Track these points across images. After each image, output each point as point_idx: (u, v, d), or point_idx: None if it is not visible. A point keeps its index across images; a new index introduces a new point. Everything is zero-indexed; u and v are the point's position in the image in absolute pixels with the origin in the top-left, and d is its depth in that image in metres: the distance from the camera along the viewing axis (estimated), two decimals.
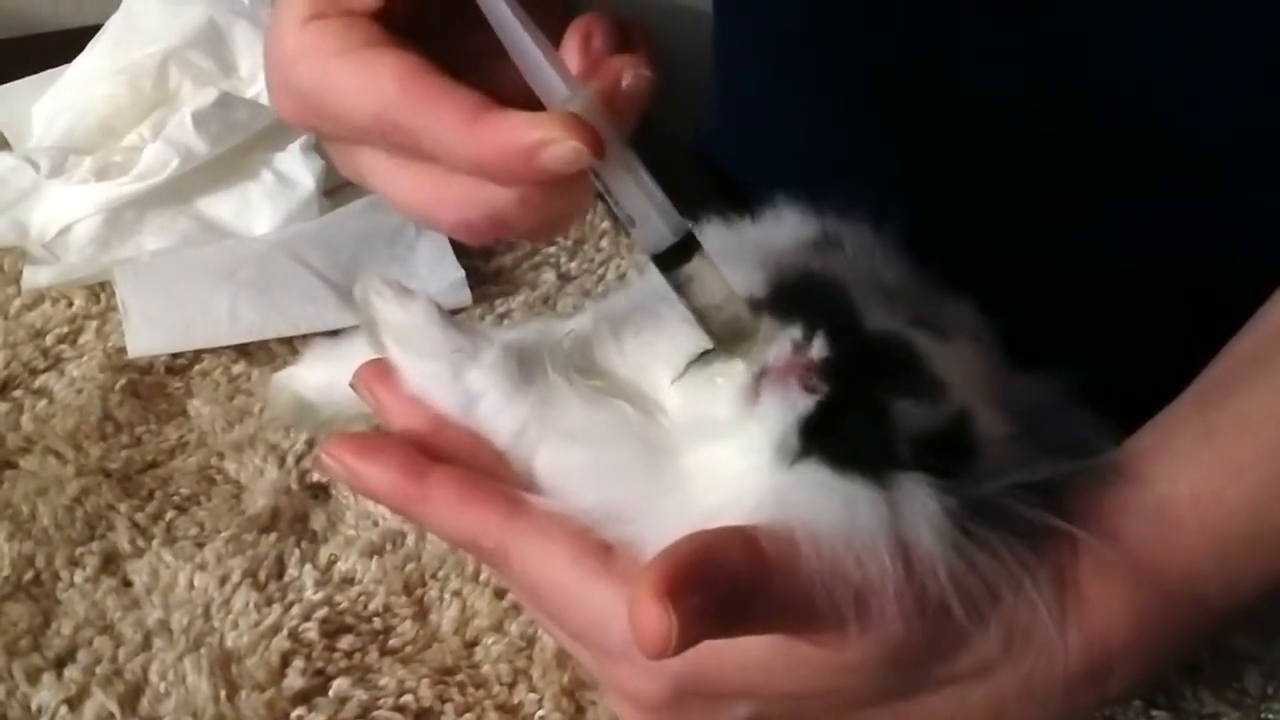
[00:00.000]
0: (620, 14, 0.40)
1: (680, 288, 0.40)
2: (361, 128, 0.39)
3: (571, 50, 0.39)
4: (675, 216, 0.39)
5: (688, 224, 0.39)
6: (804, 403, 0.39)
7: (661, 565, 0.36)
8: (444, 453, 0.43)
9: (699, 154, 0.83)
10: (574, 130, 0.35)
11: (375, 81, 0.37)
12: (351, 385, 0.44)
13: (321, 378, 0.52)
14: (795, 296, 0.41)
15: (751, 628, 0.38)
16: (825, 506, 0.38)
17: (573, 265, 0.73)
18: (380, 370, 0.44)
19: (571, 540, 0.41)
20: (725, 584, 0.36)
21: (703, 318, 0.40)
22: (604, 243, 0.75)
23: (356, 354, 0.45)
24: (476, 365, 0.42)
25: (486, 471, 0.42)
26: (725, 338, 0.40)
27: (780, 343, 0.40)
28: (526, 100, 0.37)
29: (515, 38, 0.38)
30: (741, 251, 0.43)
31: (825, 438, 0.39)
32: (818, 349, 0.39)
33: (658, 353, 0.43)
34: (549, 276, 0.72)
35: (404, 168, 0.39)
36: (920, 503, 0.38)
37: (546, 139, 0.35)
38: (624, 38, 0.39)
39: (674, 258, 0.39)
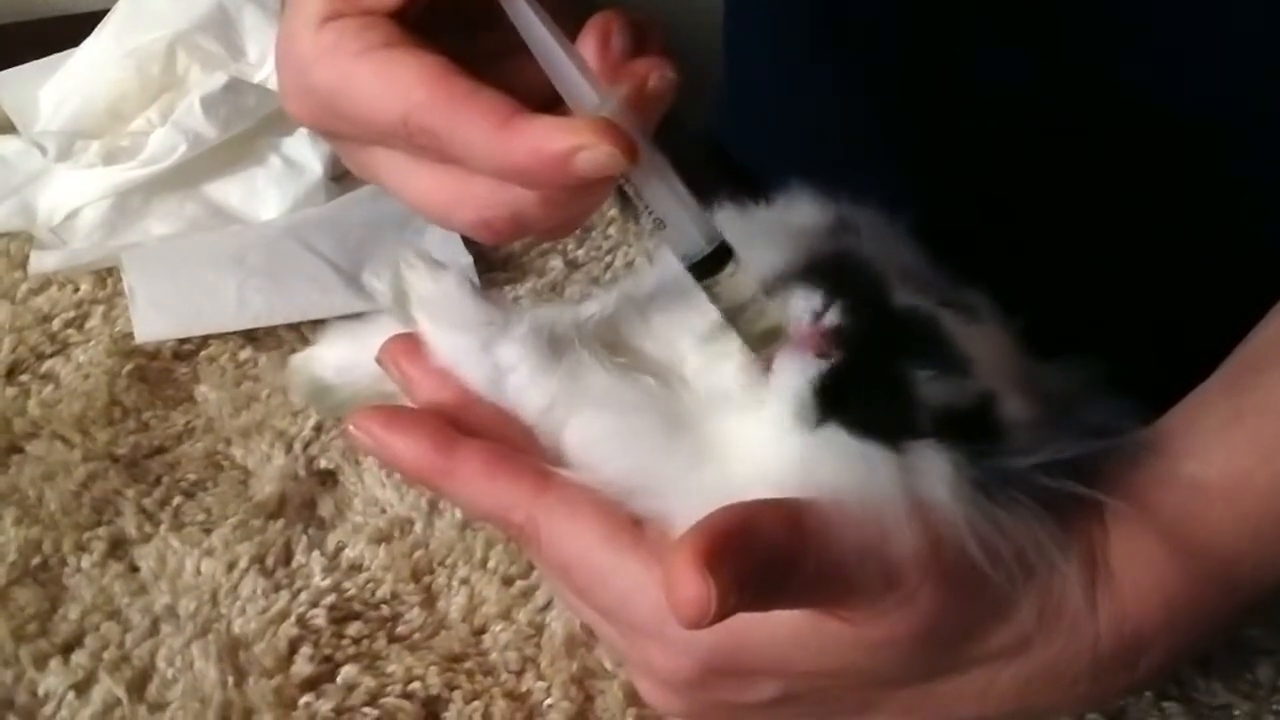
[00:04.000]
0: (633, 12, 0.39)
1: (711, 290, 0.40)
2: (384, 130, 0.38)
3: (589, 50, 0.38)
4: (708, 223, 0.39)
5: (720, 231, 0.39)
6: (817, 365, 0.39)
7: (700, 535, 0.35)
8: (471, 427, 0.42)
9: (709, 141, 0.83)
10: (608, 136, 0.35)
11: (400, 84, 0.37)
12: (377, 359, 0.44)
13: (340, 358, 0.52)
14: (823, 272, 0.41)
15: (787, 600, 0.38)
16: (843, 469, 0.38)
17: (580, 252, 0.73)
18: (407, 344, 0.43)
19: (600, 515, 0.40)
20: (763, 555, 0.36)
21: (733, 318, 0.40)
22: (612, 230, 0.75)
23: (376, 335, 0.45)
24: (507, 339, 0.42)
25: (514, 446, 0.42)
26: (756, 337, 0.40)
27: (799, 312, 0.40)
28: (544, 97, 0.37)
29: (543, 44, 0.37)
30: (757, 234, 0.43)
31: (843, 404, 0.39)
32: (830, 317, 0.40)
33: (684, 328, 0.43)
34: (557, 263, 0.72)
35: (422, 168, 0.39)
36: (935, 465, 0.38)
37: (580, 145, 0.35)
38: (640, 37, 0.39)
39: (708, 265, 0.39)
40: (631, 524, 0.40)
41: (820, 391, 0.39)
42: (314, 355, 0.54)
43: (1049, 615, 0.40)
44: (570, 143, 0.35)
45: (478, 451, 0.41)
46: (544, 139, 0.35)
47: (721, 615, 0.35)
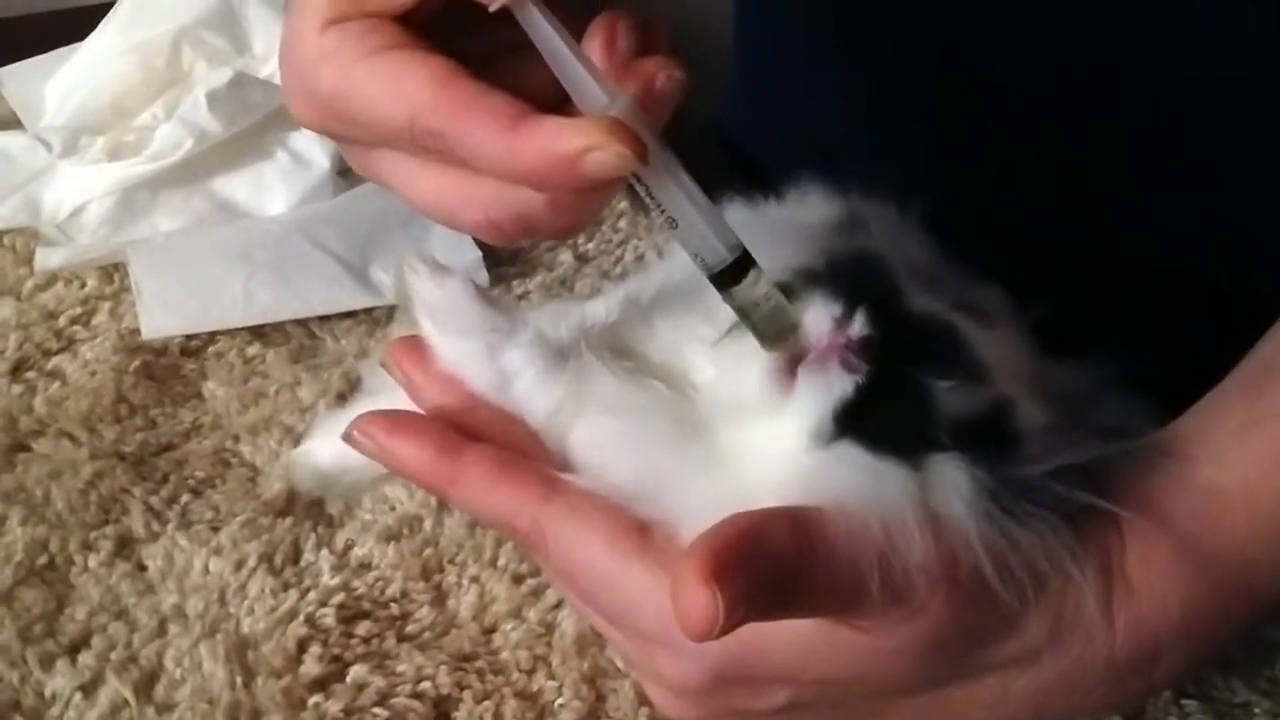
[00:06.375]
0: (638, 11, 0.39)
1: (728, 292, 0.39)
2: (390, 133, 0.38)
3: (595, 51, 0.38)
4: (723, 224, 0.38)
5: (734, 233, 0.39)
6: (842, 385, 0.38)
7: (706, 546, 0.35)
8: (476, 432, 0.42)
9: (719, 134, 0.82)
10: (618, 136, 0.34)
11: (406, 87, 0.36)
12: (382, 364, 0.44)
13: (334, 449, 0.50)
14: (838, 274, 0.41)
15: (796, 611, 0.38)
16: (856, 481, 0.37)
17: (590, 246, 0.73)
18: (411, 347, 0.43)
19: (608, 521, 0.40)
20: (771, 566, 0.36)
21: (747, 315, 0.40)
22: (622, 224, 0.74)
23: None
24: (513, 344, 0.42)
25: (520, 451, 0.42)
26: (770, 335, 0.40)
27: (820, 320, 0.39)
28: (551, 98, 0.37)
29: (550, 44, 0.37)
30: (769, 231, 0.43)
31: (861, 418, 0.38)
32: (858, 327, 0.39)
33: (689, 332, 0.43)
34: (566, 258, 0.72)
35: (427, 169, 0.38)
36: (952, 478, 0.37)
37: (590, 145, 0.34)
38: (645, 36, 0.38)
39: (730, 274, 0.39)
40: (638, 529, 0.40)
41: (845, 412, 0.38)
42: (309, 450, 0.54)
43: (1064, 625, 0.40)
44: (580, 143, 0.34)
45: (483, 457, 0.41)
46: (552, 140, 0.35)
47: (729, 628, 0.34)
